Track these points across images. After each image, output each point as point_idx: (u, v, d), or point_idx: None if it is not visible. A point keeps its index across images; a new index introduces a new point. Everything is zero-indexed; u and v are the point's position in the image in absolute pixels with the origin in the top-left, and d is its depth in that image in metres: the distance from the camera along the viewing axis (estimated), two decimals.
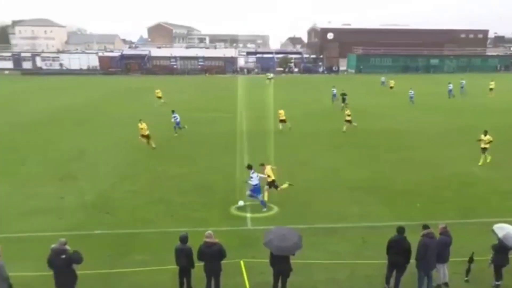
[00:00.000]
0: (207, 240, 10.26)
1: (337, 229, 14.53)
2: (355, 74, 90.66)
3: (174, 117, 28.90)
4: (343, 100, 39.61)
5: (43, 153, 24.27)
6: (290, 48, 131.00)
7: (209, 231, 10.52)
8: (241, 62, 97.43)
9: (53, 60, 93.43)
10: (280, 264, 10.22)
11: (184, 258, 10.41)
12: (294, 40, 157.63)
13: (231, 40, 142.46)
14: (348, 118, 29.86)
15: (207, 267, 10.34)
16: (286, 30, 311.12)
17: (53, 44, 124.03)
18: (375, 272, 11.41)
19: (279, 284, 10.40)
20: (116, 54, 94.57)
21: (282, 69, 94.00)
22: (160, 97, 42.83)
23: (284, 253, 10.15)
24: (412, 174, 20.40)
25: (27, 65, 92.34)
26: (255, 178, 16.03)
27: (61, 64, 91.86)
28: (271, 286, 10.43)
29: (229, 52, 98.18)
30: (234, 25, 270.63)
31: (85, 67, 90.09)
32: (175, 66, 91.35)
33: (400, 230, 10.57)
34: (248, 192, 16.22)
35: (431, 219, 13.30)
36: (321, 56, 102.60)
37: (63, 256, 9.55)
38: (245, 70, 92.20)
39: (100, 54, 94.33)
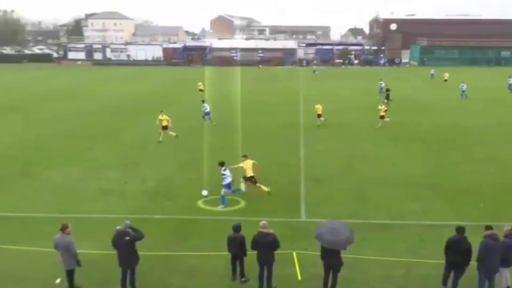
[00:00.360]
0: (262, 230, 10.36)
1: (393, 226, 14.14)
2: (418, 66, 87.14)
3: (204, 107, 29.68)
4: (387, 96, 37.31)
5: (111, 139, 25.51)
6: (350, 40, 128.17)
7: (264, 222, 10.61)
8: (300, 53, 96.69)
9: (121, 51, 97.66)
10: (331, 258, 10.12)
11: (237, 246, 10.62)
12: (355, 31, 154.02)
13: (291, 32, 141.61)
14: (383, 113, 28.57)
15: (260, 256, 10.44)
16: (348, 21, 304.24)
17: (122, 36, 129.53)
18: (432, 271, 11.01)
19: (330, 278, 10.32)
20: (179, 45, 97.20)
21: (341, 61, 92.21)
22: (202, 90, 42.19)
23: (335, 247, 10.03)
24: (475, 171, 19.39)
25: (97, 56, 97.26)
26: (227, 176, 15.51)
27: (128, 55, 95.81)
28: (322, 279, 10.37)
29: (289, 44, 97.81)
30: (295, 16, 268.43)
31: (150, 58, 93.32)
32: (235, 58, 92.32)
33: (460, 230, 10.09)
34: (223, 191, 15.47)
35: (495, 220, 12.53)
36: (383, 48, 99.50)
37: (127, 238, 10.06)
38: (304, 62, 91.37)
39: (164, 45, 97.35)
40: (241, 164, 16.25)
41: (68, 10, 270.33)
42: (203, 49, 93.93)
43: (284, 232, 12.68)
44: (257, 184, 16.20)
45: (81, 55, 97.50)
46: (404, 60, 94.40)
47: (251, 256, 10.63)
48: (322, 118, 29.13)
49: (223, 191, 15.51)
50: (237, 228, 10.69)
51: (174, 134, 24.87)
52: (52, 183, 18.00)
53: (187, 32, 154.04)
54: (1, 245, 12.39)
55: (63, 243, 10.15)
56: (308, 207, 15.60)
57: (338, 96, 41.58)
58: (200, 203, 15.74)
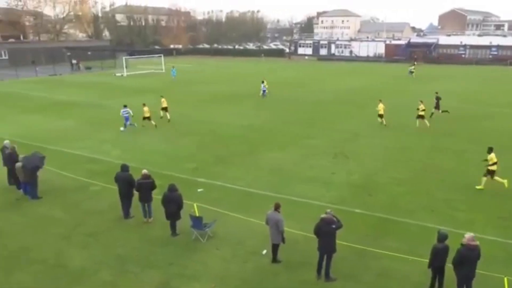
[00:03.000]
0: (471, 243, 9.32)
1: None
2: None
3: (262, 85, 38.91)
4: (437, 105, 28.50)
5: (327, 129, 26.31)
6: None
7: (472, 234, 9.51)
8: None
9: (345, 47, 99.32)
10: None
11: (443, 258, 9.80)
12: None
13: None
14: (422, 113, 25.78)
15: (463, 271, 9.40)
16: None
17: (347, 33, 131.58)
18: None
19: None
20: (402, 42, 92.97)
21: None
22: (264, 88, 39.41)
23: None
24: None
25: (323, 51, 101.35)
26: (128, 113, 25.78)
27: (351, 51, 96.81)
28: None
29: None
30: None
31: (371, 54, 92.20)
32: (463, 56, 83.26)
33: None
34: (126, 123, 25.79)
35: None
36: None
37: (333, 226, 10.37)
38: None
39: (388, 42, 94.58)
40: (144, 109, 26.16)
41: (304, 9, 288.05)
42: (427, 46, 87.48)
43: (496, 252, 11.13)
44: (152, 122, 26.18)
45: (309, 51, 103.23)
46: None
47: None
48: (383, 119, 26.79)
49: (127, 123, 25.85)
50: (443, 238, 9.79)
51: (163, 115, 28.43)
52: (271, 164, 19.60)
53: (413, 28, 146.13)
54: (225, 211, 14.35)
55: (274, 220, 11.08)
56: None
57: None
58: None
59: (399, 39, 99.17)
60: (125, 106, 26.12)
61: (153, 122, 26.26)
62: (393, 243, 12.29)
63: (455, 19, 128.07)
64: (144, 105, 26.51)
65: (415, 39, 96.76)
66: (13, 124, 28.36)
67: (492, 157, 16.30)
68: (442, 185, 16.81)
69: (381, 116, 26.97)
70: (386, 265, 11.24)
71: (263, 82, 39.29)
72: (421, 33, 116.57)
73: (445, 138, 24.14)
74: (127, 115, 25.86)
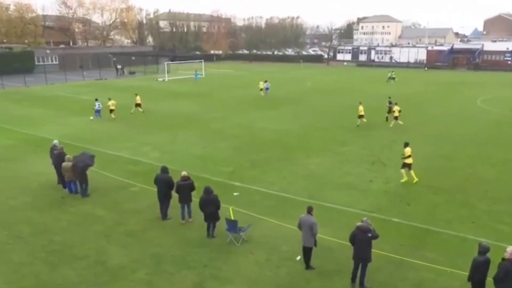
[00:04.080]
0: None
1: None
2: None
3: (266, 84, 43.46)
4: (389, 108, 30.07)
5: (363, 136, 25.83)
6: None
7: None
8: None
9: (385, 54, 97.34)
10: None
11: (484, 272, 9.35)
12: None
13: None
14: (397, 114, 27.62)
15: (505, 286, 8.91)
16: None
17: (388, 39, 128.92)
18: None
19: None
20: (445, 48, 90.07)
21: None
22: (262, 89, 43.97)
23: None
24: None
25: (362, 57, 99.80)
26: (99, 105, 30.72)
27: (391, 57, 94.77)
28: None
29: None
30: None
31: (412, 61, 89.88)
32: (509, 62, 79.69)
33: None
34: (96, 114, 30.68)
35: None
36: None
37: (369, 235, 10.16)
38: None
39: (429, 48, 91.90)
40: (109, 103, 30.63)
41: (343, 15, 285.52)
42: (472, 52, 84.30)
43: None
44: (113, 115, 30.58)
45: (348, 56, 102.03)
46: None
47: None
48: (364, 120, 28.37)
49: (95, 115, 30.82)
50: (485, 251, 9.35)
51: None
52: (307, 169, 19.44)
53: (457, 34, 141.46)
54: (260, 215, 14.35)
55: (308, 222, 10.97)
56: None
57: None
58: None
59: (441, 45, 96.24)
60: (96, 100, 31.38)
61: (112, 116, 30.69)
62: (431, 254, 11.88)
63: (501, 25, 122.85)
64: (109, 99, 31.30)
65: (458, 45, 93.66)
66: (61, 126, 29.58)
67: (407, 151, 17.61)
68: (484, 196, 16.11)
69: (360, 116, 28.43)
70: (423, 276, 10.86)
71: (266, 81, 44.16)
72: (465, 39, 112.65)
73: (489, 147, 23.17)
74: (99, 108, 30.86)
